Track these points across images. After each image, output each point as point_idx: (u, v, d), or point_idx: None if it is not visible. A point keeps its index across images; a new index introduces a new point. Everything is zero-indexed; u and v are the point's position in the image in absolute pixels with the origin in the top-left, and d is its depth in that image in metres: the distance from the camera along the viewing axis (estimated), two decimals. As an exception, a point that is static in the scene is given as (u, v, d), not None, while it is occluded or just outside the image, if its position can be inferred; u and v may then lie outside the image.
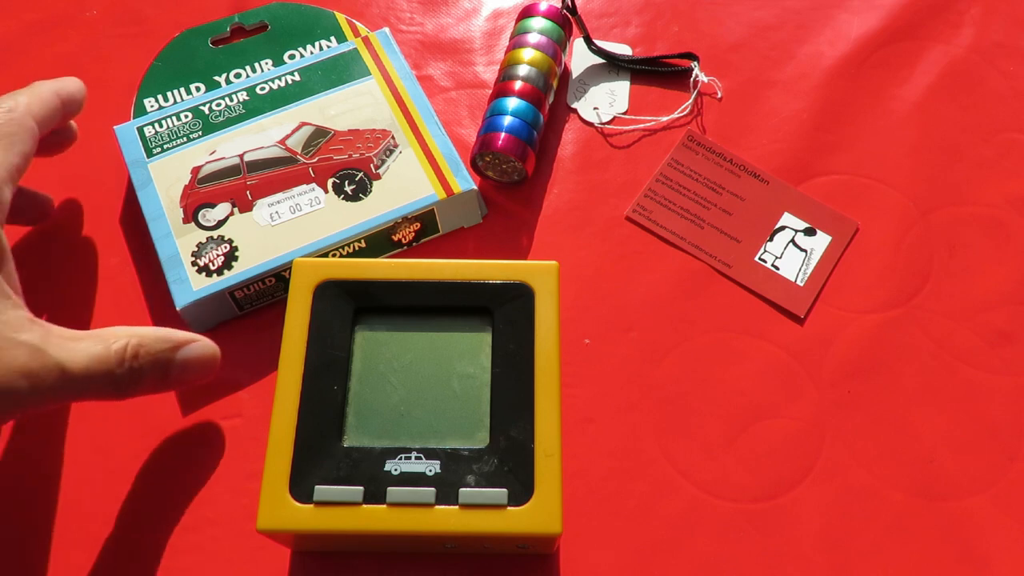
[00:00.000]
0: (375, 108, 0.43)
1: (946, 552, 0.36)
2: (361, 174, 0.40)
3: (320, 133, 0.42)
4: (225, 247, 0.38)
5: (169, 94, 0.45)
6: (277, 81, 0.44)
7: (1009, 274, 0.43)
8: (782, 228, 0.44)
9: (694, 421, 0.39)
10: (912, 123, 0.47)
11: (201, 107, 0.43)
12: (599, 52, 0.48)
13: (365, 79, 0.44)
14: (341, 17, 0.48)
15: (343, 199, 0.40)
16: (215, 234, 0.39)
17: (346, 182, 0.40)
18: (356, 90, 0.43)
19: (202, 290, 0.38)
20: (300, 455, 0.31)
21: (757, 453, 0.38)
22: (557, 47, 0.46)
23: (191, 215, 0.39)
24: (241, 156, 0.41)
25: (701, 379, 0.40)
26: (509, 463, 0.31)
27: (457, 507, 0.30)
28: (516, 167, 0.43)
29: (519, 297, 0.34)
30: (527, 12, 0.47)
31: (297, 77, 0.44)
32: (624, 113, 0.48)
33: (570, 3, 0.47)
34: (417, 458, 0.31)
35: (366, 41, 0.45)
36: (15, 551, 0.36)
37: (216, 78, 0.46)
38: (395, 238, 0.41)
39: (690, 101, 0.47)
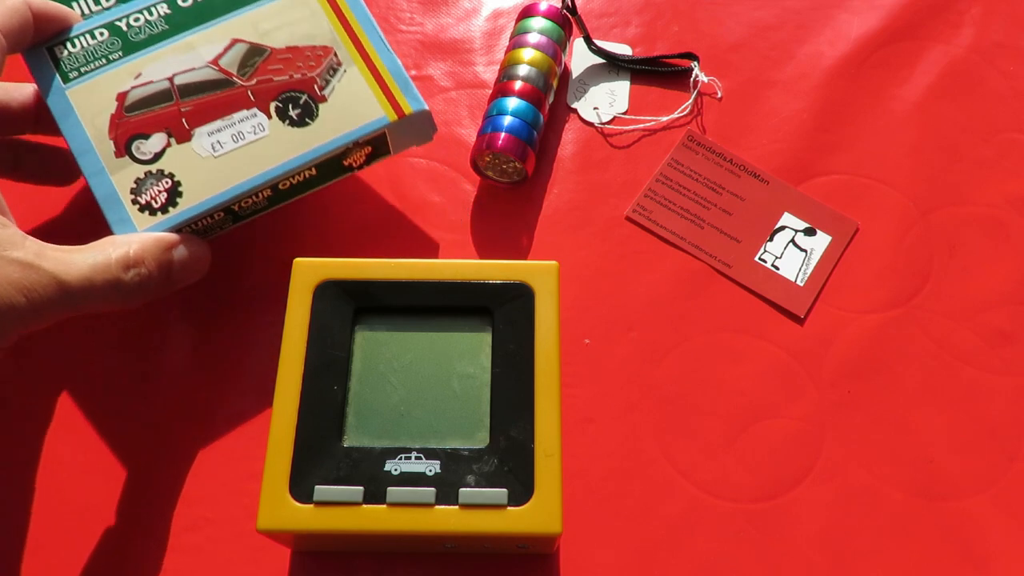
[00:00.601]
0: (313, 22, 0.39)
1: (946, 552, 0.36)
2: (305, 96, 0.38)
3: (255, 51, 0.38)
4: (167, 182, 0.36)
5: (74, 5, 0.39)
6: None
7: (1009, 274, 0.43)
8: (782, 228, 0.44)
9: (694, 421, 0.39)
10: (912, 123, 0.47)
11: (117, 23, 0.38)
12: (599, 52, 0.48)
13: None
14: None
15: (288, 124, 0.37)
16: (153, 168, 0.36)
17: (290, 106, 0.37)
18: (290, 1, 0.40)
19: (148, 230, 0.35)
20: (300, 455, 0.31)
21: (757, 453, 0.38)
22: (557, 47, 0.46)
23: (123, 147, 0.36)
24: (171, 79, 0.37)
25: (701, 379, 0.40)
26: (509, 463, 0.31)
27: (457, 507, 0.30)
28: (516, 167, 0.43)
29: (519, 297, 0.34)
30: (527, 12, 0.47)
31: None
32: (624, 113, 0.48)
33: (570, 3, 0.47)
34: (417, 458, 0.31)
35: None
36: (14, 551, 0.36)
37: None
38: (346, 163, 0.39)
39: (690, 101, 0.47)
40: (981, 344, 0.41)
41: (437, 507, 0.30)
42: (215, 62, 0.38)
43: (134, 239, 0.33)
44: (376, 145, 0.39)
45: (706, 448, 0.38)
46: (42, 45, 0.38)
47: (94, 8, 0.39)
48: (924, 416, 0.39)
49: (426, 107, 0.39)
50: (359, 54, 0.39)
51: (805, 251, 0.44)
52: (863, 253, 0.44)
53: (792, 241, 0.44)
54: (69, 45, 0.38)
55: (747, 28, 0.50)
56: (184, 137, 0.37)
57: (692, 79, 0.48)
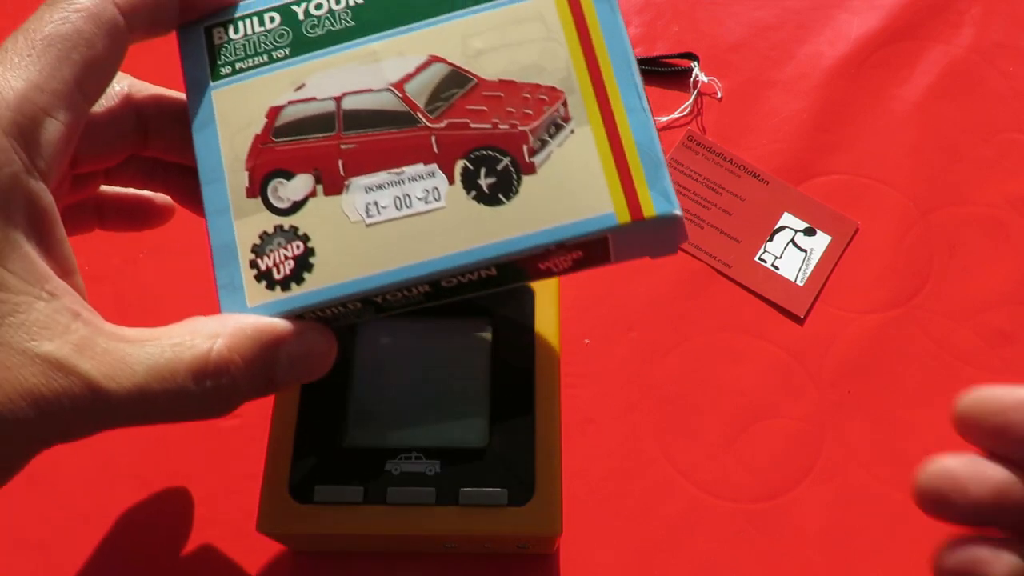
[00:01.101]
0: (545, 48, 0.27)
1: (946, 552, 0.36)
2: (507, 161, 0.26)
3: (456, 79, 0.27)
4: (298, 246, 0.26)
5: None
6: None
7: (1009, 274, 0.43)
8: (782, 228, 0.44)
9: (694, 421, 0.39)
10: (912, 123, 0.47)
11: (293, 7, 0.28)
12: (599, 52, 0.48)
13: None
14: None
15: (474, 198, 0.26)
16: (287, 223, 0.26)
17: (482, 171, 0.26)
18: (520, 11, 0.27)
19: (260, 308, 0.26)
20: (300, 455, 0.31)
21: (757, 453, 0.38)
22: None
23: (258, 185, 0.27)
24: (338, 100, 0.28)
25: (701, 379, 0.40)
26: (509, 463, 0.31)
27: (457, 507, 0.30)
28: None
29: (519, 297, 0.34)
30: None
31: None
32: (624, 113, 0.48)
33: (570, 3, 0.47)
34: (417, 458, 0.31)
35: None
36: (14, 551, 0.36)
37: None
38: (543, 267, 0.27)
39: (690, 101, 0.47)
40: (981, 344, 0.41)
41: (437, 507, 0.30)
42: (399, 86, 0.28)
43: (225, 329, 0.24)
44: (590, 251, 0.27)
45: (706, 448, 0.38)
46: (200, 23, 0.29)
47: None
48: (924, 416, 0.39)
49: (679, 212, 0.26)
50: (599, 109, 0.26)
51: (805, 251, 0.44)
52: (863, 253, 0.44)
53: (792, 241, 0.44)
54: (231, 29, 0.28)
55: (747, 28, 0.50)
56: (335, 187, 0.27)
57: (692, 79, 0.48)
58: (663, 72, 0.48)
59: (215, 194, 0.27)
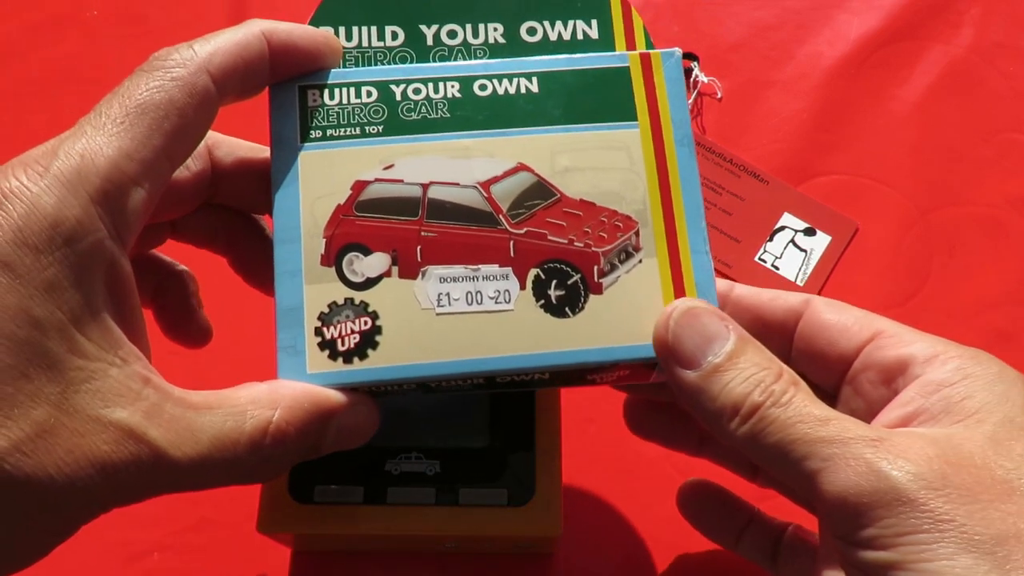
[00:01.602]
0: (626, 178, 0.28)
1: (946, 552, 0.36)
2: (577, 277, 0.27)
3: (541, 191, 0.28)
4: (366, 322, 0.27)
5: (355, 30, 0.30)
6: (505, 83, 0.29)
7: (1009, 274, 0.43)
8: (782, 228, 0.44)
9: (694, 421, 0.39)
10: (912, 123, 0.47)
11: (392, 87, 0.29)
12: (599, 52, 0.49)
13: (627, 125, 0.29)
14: None
15: (541, 306, 0.27)
16: (358, 297, 0.27)
17: (553, 283, 0.27)
18: (609, 139, 0.29)
19: (318, 376, 0.26)
20: (300, 455, 0.31)
21: (757, 453, 0.38)
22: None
23: (334, 255, 0.27)
24: (425, 187, 0.28)
25: (701, 379, 0.40)
26: (509, 463, 0.31)
27: (457, 507, 0.30)
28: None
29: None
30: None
31: (534, 86, 0.29)
32: (624, 113, 0.48)
33: (570, 3, 0.47)
34: (417, 458, 0.31)
35: (645, 62, 0.30)
36: (15, 551, 0.36)
37: (423, 27, 0.30)
38: (590, 376, 0.29)
39: (690, 101, 0.47)
40: (981, 344, 0.41)
41: (437, 507, 0.30)
42: (487, 186, 0.28)
43: (283, 400, 0.24)
44: (637, 371, 0.29)
45: (706, 448, 0.38)
46: (294, 81, 0.28)
47: (375, 44, 0.29)
48: (924, 416, 0.39)
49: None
50: (667, 245, 0.28)
51: (805, 251, 0.44)
52: (863, 253, 0.44)
53: (792, 241, 0.44)
54: (326, 94, 0.29)
55: (747, 28, 0.50)
56: (410, 271, 0.27)
57: (692, 79, 0.48)
58: (663, 72, 0.49)
59: (289, 255, 0.27)
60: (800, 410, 0.23)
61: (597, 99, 0.29)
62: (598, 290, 0.27)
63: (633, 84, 0.29)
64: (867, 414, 0.26)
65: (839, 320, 0.28)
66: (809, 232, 0.44)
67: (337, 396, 0.25)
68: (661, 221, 0.28)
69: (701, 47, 0.50)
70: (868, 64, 0.49)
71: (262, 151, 0.29)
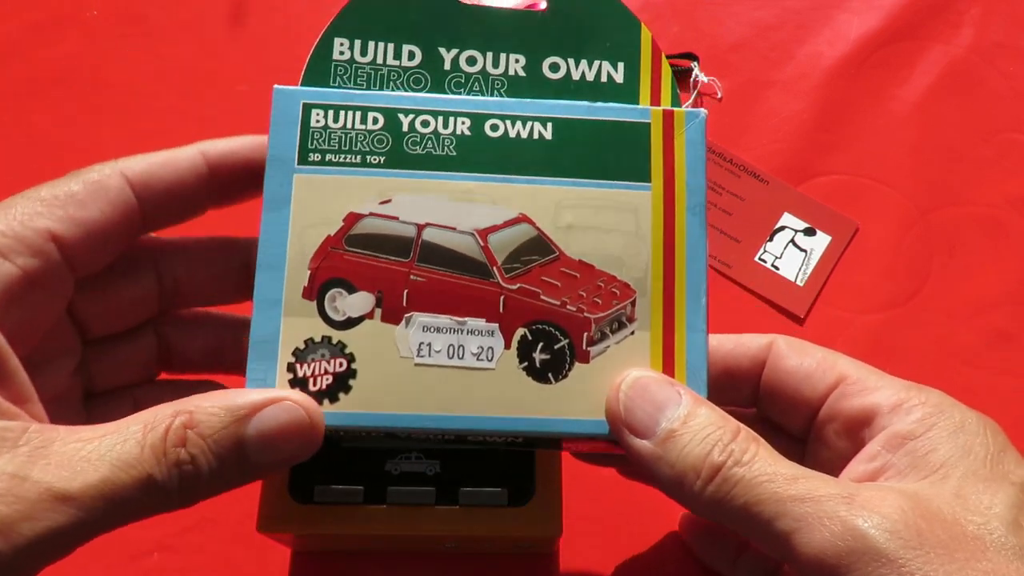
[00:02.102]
0: (630, 242, 0.27)
1: (946, 552, 0.36)
2: (565, 343, 0.26)
3: (539, 247, 0.27)
4: (341, 364, 0.26)
5: (371, 45, 0.28)
6: (519, 125, 0.28)
7: (1009, 274, 0.43)
8: (782, 228, 0.44)
9: (694, 421, 0.39)
10: (912, 123, 0.47)
11: (400, 115, 0.27)
12: (599, 52, 0.49)
13: (639, 186, 0.28)
14: (647, 34, 0.29)
15: (523, 369, 0.26)
16: (336, 336, 0.26)
17: (539, 345, 0.26)
18: (618, 198, 0.27)
19: None
20: (300, 455, 0.31)
21: (757, 453, 0.38)
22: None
23: (316, 289, 0.26)
24: (420, 228, 0.27)
25: (701, 379, 0.40)
26: (509, 463, 0.31)
27: (457, 507, 0.30)
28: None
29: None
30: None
31: (548, 133, 0.28)
32: (624, 113, 0.48)
33: (570, 3, 0.47)
34: (417, 458, 0.31)
35: (668, 120, 0.29)
36: (15, 551, 0.36)
37: (441, 50, 0.28)
38: (565, 444, 0.28)
39: (690, 101, 0.47)
40: (981, 344, 0.41)
41: (437, 507, 0.30)
42: (484, 235, 0.27)
43: (188, 403, 0.23)
44: (612, 445, 0.28)
45: (706, 448, 0.38)
46: (298, 94, 0.27)
47: (390, 62, 0.28)
48: (924, 416, 0.39)
49: None
50: (663, 319, 0.27)
51: (805, 251, 0.44)
52: (863, 253, 0.44)
53: (792, 241, 0.44)
54: (331, 115, 0.27)
55: (747, 28, 0.50)
56: (394, 316, 0.26)
57: (692, 79, 0.48)
58: (663, 72, 0.49)
59: (270, 282, 0.26)
60: (765, 468, 0.22)
61: (612, 154, 0.28)
62: (585, 359, 0.26)
63: (652, 142, 0.28)
64: (835, 464, 0.26)
65: (801, 366, 0.28)
66: (809, 232, 0.44)
67: (254, 396, 0.23)
68: (660, 293, 0.27)
69: (701, 47, 0.50)
70: (868, 64, 0.49)
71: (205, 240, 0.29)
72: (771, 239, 0.44)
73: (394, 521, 0.30)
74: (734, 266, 0.43)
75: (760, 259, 0.43)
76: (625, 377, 0.25)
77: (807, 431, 0.28)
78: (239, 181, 0.26)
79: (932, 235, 0.44)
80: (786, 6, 0.51)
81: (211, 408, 0.22)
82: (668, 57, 0.48)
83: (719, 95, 0.48)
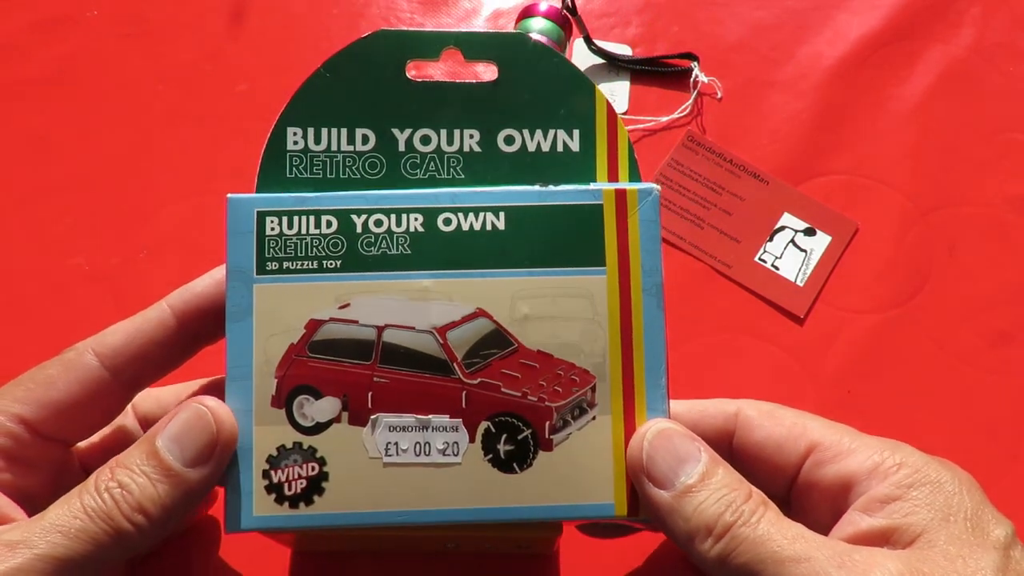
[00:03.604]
0: (588, 328, 0.27)
1: (946, 552, 0.36)
2: (528, 433, 0.27)
3: (498, 340, 0.27)
4: (313, 468, 0.26)
5: (324, 132, 0.28)
6: (471, 218, 0.28)
7: (1009, 274, 0.43)
8: (782, 228, 0.44)
9: (694, 421, 0.39)
10: (912, 123, 0.47)
11: (353, 216, 0.28)
12: (599, 52, 0.49)
13: (593, 271, 0.28)
14: (601, 98, 0.29)
15: (489, 461, 0.27)
16: (307, 442, 0.27)
17: (503, 437, 0.27)
18: (573, 285, 0.28)
19: (263, 519, 0.26)
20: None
21: (757, 453, 0.38)
22: (557, 47, 0.46)
23: (284, 398, 0.27)
24: (380, 331, 0.27)
25: (701, 379, 0.40)
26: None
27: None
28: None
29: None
30: (527, 12, 0.47)
31: (500, 223, 0.28)
32: (624, 113, 0.48)
33: (570, 3, 0.47)
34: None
35: (620, 199, 0.28)
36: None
37: (395, 131, 0.29)
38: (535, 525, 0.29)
39: (690, 101, 0.47)
40: (981, 344, 0.41)
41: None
42: (443, 332, 0.27)
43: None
44: (582, 524, 0.30)
45: (706, 448, 0.38)
46: (252, 203, 0.28)
47: (344, 148, 0.28)
48: (924, 416, 0.39)
49: None
50: (623, 403, 0.27)
51: (805, 251, 0.44)
52: (863, 253, 0.44)
53: (792, 241, 0.44)
54: (284, 222, 0.27)
55: (747, 28, 0.50)
56: (360, 419, 0.27)
57: (692, 79, 0.48)
58: (663, 72, 0.48)
59: (240, 392, 0.27)
60: (769, 529, 0.24)
61: (565, 240, 0.28)
62: (548, 447, 0.27)
63: (605, 225, 0.28)
64: (820, 529, 0.26)
65: (770, 436, 0.28)
66: (809, 232, 0.44)
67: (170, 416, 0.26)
68: (619, 377, 0.27)
69: (701, 47, 0.50)
70: (868, 64, 0.49)
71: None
72: (771, 239, 0.44)
73: (394, 521, 0.30)
74: (734, 266, 0.43)
75: (760, 259, 0.43)
76: (650, 427, 0.26)
77: (787, 494, 0.28)
78: (209, 324, 0.27)
79: (932, 235, 0.44)
80: (786, 6, 0.51)
81: (132, 448, 0.25)
82: (668, 57, 0.49)
83: (719, 95, 0.48)
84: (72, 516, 0.24)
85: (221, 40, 0.49)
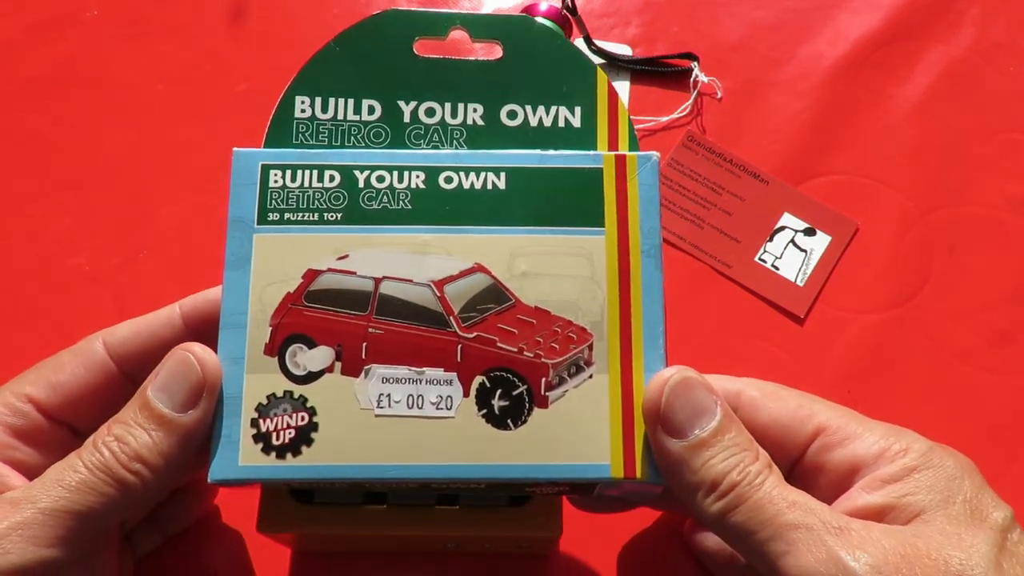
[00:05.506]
0: (586, 287, 0.27)
1: (946, 552, 0.36)
2: (523, 389, 0.27)
3: (495, 295, 0.27)
4: (303, 417, 0.26)
5: (331, 102, 0.29)
6: (472, 177, 0.28)
7: (1009, 274, 0.43)
8: (782, 228, 0.44)
9: (694, 421, 0.39)
10: (912, 123, 0.47)
11: (356, 172, 0.28)
12: (599, 52, 0.48)
13: (592, 231, 0.28)
14: (603, 78, 0.29)
15: (483, 417, 0.26)
16: (297, 391, 0.26)
17: (498, 392, 0.27)
18: (573, 244, 0.28)
19: (249, 470, 0.26)
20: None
21: (757, 453, 0.38)
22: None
23: (278, 346, 0.27)
24: (377, 282, 0.27)
25: (701, 379, 0.40)
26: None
27: (457, 508, 0.30)
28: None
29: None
30: (527, 12, 0.47)
31: (501, 183, 0.28)
32: (624, 113, 0.48)
33: (570, 3, 0.47)
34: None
35: (620, 164, 0.28)
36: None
37: (400, 103, 0.29)
38: (529, 489, 0.28)
39: (690, 101, 0.47)
40: (981, 344, 0.41)
41: (437, 507, 0.30)
42: (440, 285, 0.27)
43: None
44: (578, 488, 0.28)
45: (706, 448, 0.38)
46: (256, 156, 0.28)
47: (351, 117, 0.29)
48: (924, 416, 0.39)
49: (664, 484, 0.27)
50: (620, 361, 0.27)
51: (805, 251, 0.44)
52: (863, 253, 0.44)
53: (792, 241, 0.44)
54: (288, 175, 0.28)
55: (747, 28, 0.50)
56: (353, 369, 0.27)
57: (692, 79, 0.48)
58: (663, 72, 0.48)
59: (232, 340, 0.27)
60: (770, 492, 0.24)
61: (565, 201, 0.28)
62: (543, 404, 0.26)
63: (604, 187, 0.28)
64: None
65: (774, 417, 0.28)
66: (809, 232, 0.44)
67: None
68: (617, 336, 0.27)
69: (701, 47, 0.49)
70: (868, 64, 0.49)
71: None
72: (771, 239, 0.44)
73: (394, 521, 0.30)
74: (734, 266, 0.43)
75: (760, 259, 0.43)
76: (673, 374, 0.26)
77: (788, 474, 0.28)
78: (215, 330, 0.27)
79: (932, 235, 0.44)
80: (786, 6, 0.51)
81: (127, 404, 0.26)
82: (668, 57, 0.49)
83: (719, 95, 0.48)
84: (72, 471, 0.25)
85: (221, 40, 0.49)
